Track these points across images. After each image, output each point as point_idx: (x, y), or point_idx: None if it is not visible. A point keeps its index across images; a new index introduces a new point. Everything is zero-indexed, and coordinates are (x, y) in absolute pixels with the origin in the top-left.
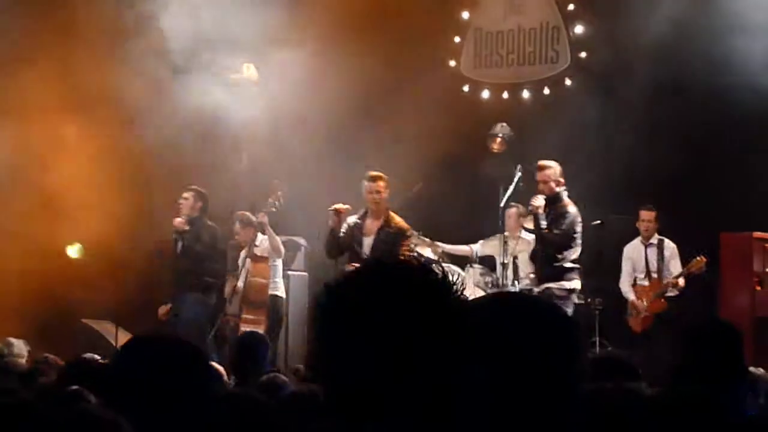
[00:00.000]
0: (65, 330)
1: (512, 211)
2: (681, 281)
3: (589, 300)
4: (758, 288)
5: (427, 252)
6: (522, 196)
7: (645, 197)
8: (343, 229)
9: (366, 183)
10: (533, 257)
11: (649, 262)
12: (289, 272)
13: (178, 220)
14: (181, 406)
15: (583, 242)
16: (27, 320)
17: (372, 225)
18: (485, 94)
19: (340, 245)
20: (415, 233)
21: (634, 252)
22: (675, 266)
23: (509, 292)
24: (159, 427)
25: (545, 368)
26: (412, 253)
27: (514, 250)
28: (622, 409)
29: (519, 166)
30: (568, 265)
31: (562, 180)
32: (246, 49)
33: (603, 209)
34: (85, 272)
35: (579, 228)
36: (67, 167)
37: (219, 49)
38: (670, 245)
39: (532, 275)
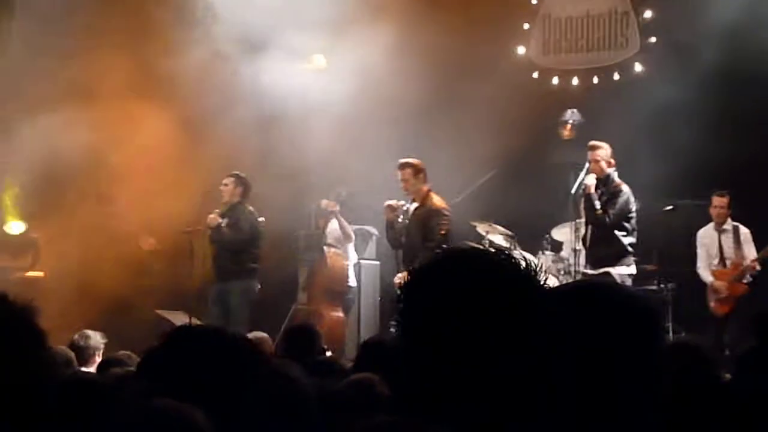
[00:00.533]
0: (139, 321)
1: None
2: (758, 266)
3: (661, 285)
4: None
5: (498, 239)
6: None
7: (717, 183)
8: (400, 218)
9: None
10: (584, 240)
11: (723, 248)
12: (361, 261)
13: (211, 217)
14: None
15: (638, 227)
16: (101, 311)
17: (413, 208)
18: (555, 80)
19: (400, 235)
20: (449, 214)
21: (707, 237)
22: (750, 251)
23: (593, 281)
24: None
25: (630, 359)
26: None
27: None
28: (697, 396)
29: (589, 153)
30: (625, 248)
31: (612, 161)
32: (320, 31)
33: (674, 195)
34: (157, 261)
35: (634, 208)
36: (140, 152)
37: (291, 32)
38: (744, 230)
39: None
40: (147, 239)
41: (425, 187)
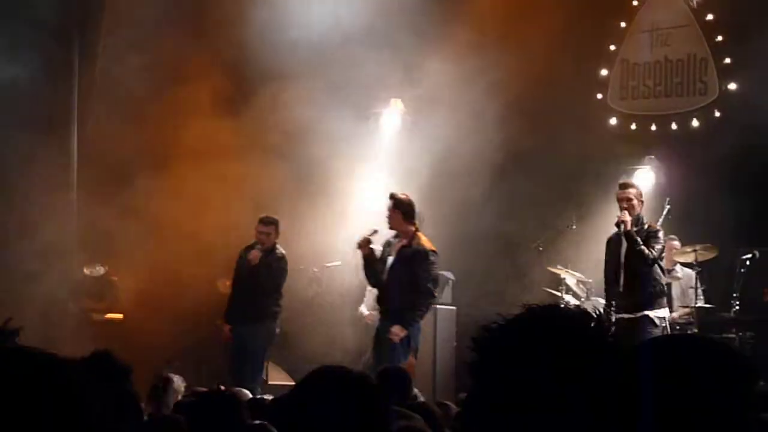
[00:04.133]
0: (217, 362)
1: (671, 243)
2: None
3: (740, 334)
4: None
5: (571, 281)
6: (672, 230)
7: None
8: (379, 247)
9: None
10: (619, 283)
11: None
12: (438, 306)
13: (255, 253)
14: None
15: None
16: (182, 354)
17: (398, 245)
18: (633, 126)
19: (379, 268)
20: (436, 257)
21: None
22: None
23: (681, 335)
24: None
25: (726, 412)
26: (438, 273)
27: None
28: None
29: (668, 199)
30: (662, 290)
31: (643, 200)
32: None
33: (754, 242)
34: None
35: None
36: (218, 209)
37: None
38: None
39: (686, 309)
40: (225, 282)
41: (412, 227)
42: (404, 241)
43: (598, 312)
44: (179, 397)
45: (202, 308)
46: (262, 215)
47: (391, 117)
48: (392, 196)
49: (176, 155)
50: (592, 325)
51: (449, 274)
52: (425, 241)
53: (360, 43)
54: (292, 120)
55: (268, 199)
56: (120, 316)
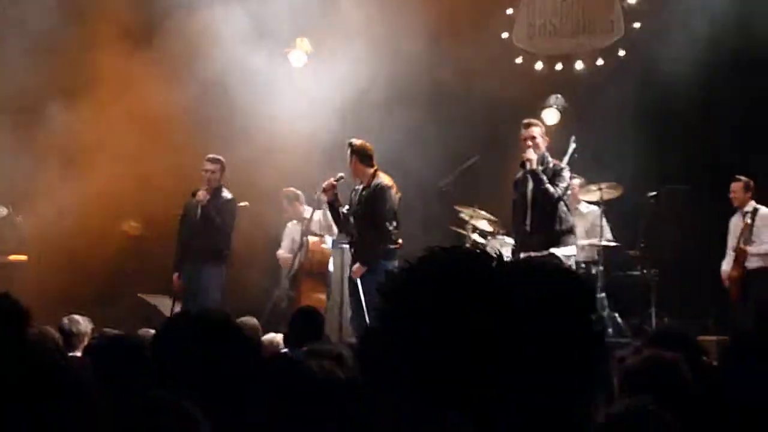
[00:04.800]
0: (123, 305)
1: (573, 183)
2: (750, 249)
3: (645, 271)
4: None
5: (482, 224)
6: (577, 168)
7: (699, 169)
8: (345, 208)
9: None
10: (519, 218)
11: (744, 231)
12: (342, 245)
13: (202, 193)
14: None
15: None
16: (85, 296)
17: (360, 188)
18: (539, 65)
19: (344, 214)
20: (392, 191)
21: (732, 222)
22: (763, 234)
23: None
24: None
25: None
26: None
27: None
28: (661, 382)
29: (573, 138)
30: (570, 228)
31: (547, 138)
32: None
33: (659, 181)
34: (140, 246)
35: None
36: (121, 143)
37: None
38: (762, 213)
39: (587, 246)
40: (131, 224)
41: (370, 169)
42: (364, 184)
43: (498, 252)
44: (86, 340)
45: (108, 248)
46: (209, 155)
47: (299, 54)
48: (349, 144)
49: (84, 89)
50: (493, 264)
51: None
52: (385, 179)
53: None
54: (204, 54)
55: (179, 136)
56: (24, 257)
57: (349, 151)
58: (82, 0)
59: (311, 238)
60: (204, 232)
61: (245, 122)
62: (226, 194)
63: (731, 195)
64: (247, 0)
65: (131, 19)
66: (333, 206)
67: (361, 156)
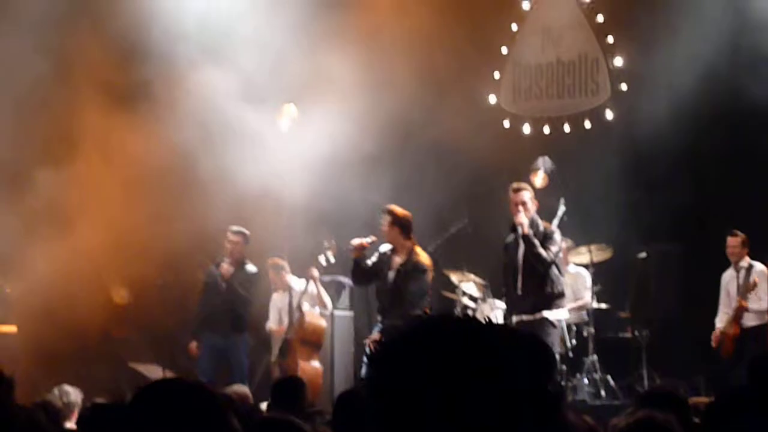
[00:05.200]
0: (113, 373)
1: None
2: (750, 305)
3: (636, 332)
4: None
5: (471, 287)
6: (566, 230)
7: (688, 228)
8: (373, 258)
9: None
10: (510, 282)
11: (739, 288)
12: (335, 312)
13: (226, 267)
14: None
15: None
16: (75, 364)
17: (396, 260)
18: (526, 128)
19: (367, 273)
20: (430, 271)
21: (726, 279)
22: (764, 290)
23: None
24: None
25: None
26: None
27: None
28: None
29: (562, 200)
30: (562, 291)
31: (536, 202)
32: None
33: (648, 241)
34: (130, 315)
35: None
36: (105, 207)
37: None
38: (758, 269)
39: (573, 307)
40: (119, 292)
41: (409, 242)
42: (402, 257)
43: (488, 318)
44: (77, 411)
45: (96, 319)
46: (233, 227)
47: (286, 121)
48: (389, 211)
49: (69, 153)
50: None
51: (346, 280)
52: (420, 257)
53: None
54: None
55: (164, 199)
56: (14, 328)
57: (388, 219)
58: (70, 60)
59: (306, 308)
60: (230, 304)
61: (229, 185)
62: (251, 267)
63: (728, 251)
64: (233, 60)
65: (117, 79)
66: (357, 263)
67: (403, 226)
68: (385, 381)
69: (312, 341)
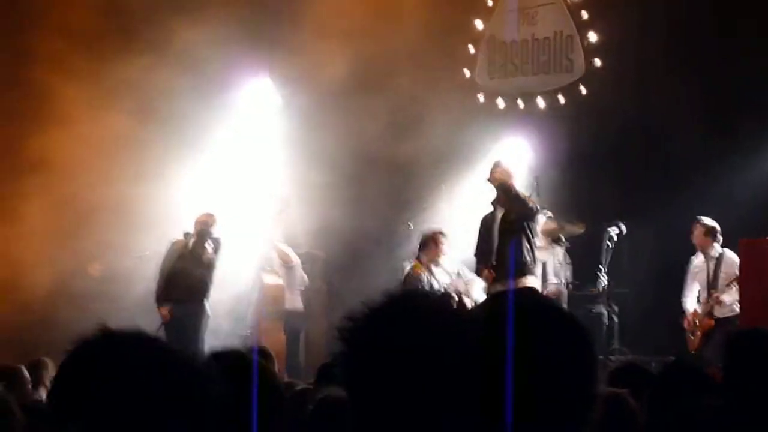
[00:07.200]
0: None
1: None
2: (724, 298)
3: (609, 308)
4: None
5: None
6: (540, 206)
7: (660, 203)
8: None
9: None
10: (485, 253)
11: (709, 277)
12: (308, 285)
13: (192, 239)
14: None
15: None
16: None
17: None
18: (500, 103)
19: None
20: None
21: (694, 265)
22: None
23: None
24: None
25: (570, 374)
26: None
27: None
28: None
29: (536, 176)
30: (534, 259)
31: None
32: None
33: (621, 218)
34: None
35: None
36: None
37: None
38: (729, 259)
39: (554, 284)
40: (94, 265)
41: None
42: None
43: (458, 293)
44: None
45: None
46: (205, 212)
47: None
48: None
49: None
50: (454, 306)
51: (320, 253)
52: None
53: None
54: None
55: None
56: None
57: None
58: None
59: (266, 278)
60: (190, 271)
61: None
62: (216, 235)
63: (693, 237)
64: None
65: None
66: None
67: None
68: (358, 353)
69: (270, 311)
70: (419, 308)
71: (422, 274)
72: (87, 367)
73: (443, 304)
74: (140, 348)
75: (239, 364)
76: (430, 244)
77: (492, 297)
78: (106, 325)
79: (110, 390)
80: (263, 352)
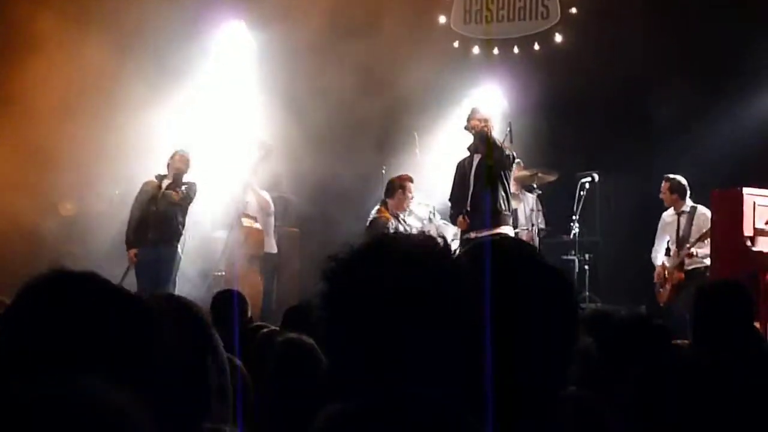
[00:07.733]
0: None
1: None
2: (695, 251)
3: (580, 256)
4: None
5: (414, 205)
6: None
7: (634, 152)
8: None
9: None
10: (460, 200)
11: (679, 231)
12: (280, 228)
13: (166, 182)
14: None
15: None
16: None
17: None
18: (475, 50)
19: None
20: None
21: (665, 220)
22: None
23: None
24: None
25: (548, 325)
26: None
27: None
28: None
29: (510, 123)
30: (509, 208)
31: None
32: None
33: (593, 167)
34: (76, 228)
35: None
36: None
37: None
38: (701, 214)
39: (524, 231)
40: (65, 205)
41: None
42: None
43: (441, 235)
44: None
45: (44, 230)
46: (178, 150)
47: (232, 38)
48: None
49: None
50: (436, 247)
51: (292, 197)
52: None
53: None
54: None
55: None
56: None
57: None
58: None
59: (245, 221)
60: (163, 214)
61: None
62: (189, 178)
63: (662, 195)
64: None
65: None
66: None
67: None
68: (338, 293)
69: (250, 254)
70: (405, 249)
71: (389, 221)
72: (32, 305)
73: (431, 245)
74: (89, 288)
75: (183, 314)
76: (397, 190)
77: (474, 245)
78: (59, 265)
79: (55, 329)
80: (239, 296)
